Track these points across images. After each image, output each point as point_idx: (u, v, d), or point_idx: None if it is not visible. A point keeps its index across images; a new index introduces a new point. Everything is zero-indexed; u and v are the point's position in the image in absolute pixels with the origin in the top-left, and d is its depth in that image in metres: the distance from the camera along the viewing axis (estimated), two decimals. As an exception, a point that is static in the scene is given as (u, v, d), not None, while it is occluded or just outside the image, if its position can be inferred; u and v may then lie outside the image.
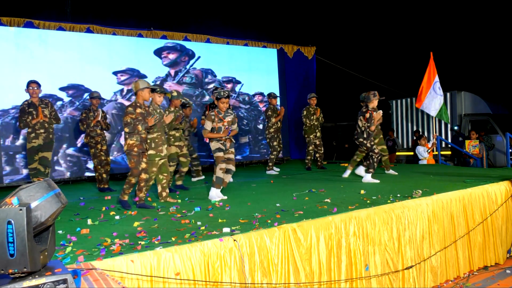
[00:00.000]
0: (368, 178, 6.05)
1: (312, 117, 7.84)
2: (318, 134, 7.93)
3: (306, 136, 7.92)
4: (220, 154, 5.01)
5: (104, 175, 6.33)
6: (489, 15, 12.17)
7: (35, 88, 5.46)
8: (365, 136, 6.16)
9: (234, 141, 5.20)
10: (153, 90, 4.77)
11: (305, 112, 7.89)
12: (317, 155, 8.07)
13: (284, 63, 11.28)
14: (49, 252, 1.80)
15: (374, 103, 6.13)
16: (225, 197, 4.97)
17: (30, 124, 5.43)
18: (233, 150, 5.18)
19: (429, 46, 9.93)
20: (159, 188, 4.91)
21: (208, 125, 5.00)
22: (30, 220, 1.60)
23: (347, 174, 6.54)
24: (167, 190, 4.94)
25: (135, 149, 4.54)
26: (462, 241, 4.40)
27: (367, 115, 6.09)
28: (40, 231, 1.77)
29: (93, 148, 6.25)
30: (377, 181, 5.96)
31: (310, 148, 7.93)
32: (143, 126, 4.53)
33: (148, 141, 4.69)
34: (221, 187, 5.00)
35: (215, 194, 4.92)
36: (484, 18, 12.21)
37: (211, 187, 4.96)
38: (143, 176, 4.60)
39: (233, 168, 5.15)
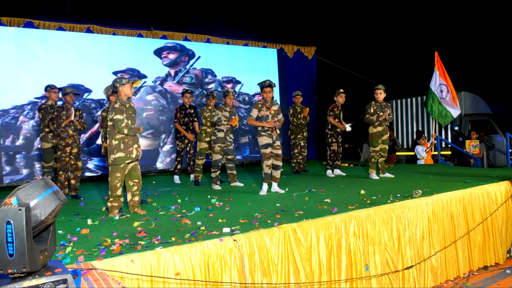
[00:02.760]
0: (328, 172, 6.94)
1: (299, 116, 7.58)
2: (305, 134, 7.67)
3: (292, 136, 7.65)
4: (267, 150, 5.21)
5: (73, 181, 5.68)
6: (489, 15, 12.16)
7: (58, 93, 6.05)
8: (329, 127, 6.85)
9: (279, 133, 5.32)
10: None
11: (291, 111, 7.66)
12: (300, 157, 7.73)
13: (284, 63, 11.28)
14: (49, 252, 1.80)
15: (338, 99, 6.88)
16: (283, 191, 5.23)
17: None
18: (279, 144, 5.31)
19: (429, 46, 9.93)
20: (128, 196, 4.32)
21: (254, 113, 5.21)
22: (30, 220, 1.60)
23: (374, 176, 6.23)
24: (136, 198, 4.32)
25: None
26: (462, 241, 4.40)
27: (330, 108, 6.88)
28: (40, 231, 1.77)
29: (60, 151, 5.55)
30: (333, 175, 6.87)
31: (296, 150, 7.65)
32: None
33: (115, 142, 4.15)
34: (270, 182, 5.28)
35: (264, 189, 5.23)
36: (484, 18, 12.21)
37: (263, 183, 5.29)
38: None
39: (280, 163, 5.30)
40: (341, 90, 6.92)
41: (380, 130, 6.22)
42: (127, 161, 4.18)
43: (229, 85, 10.21)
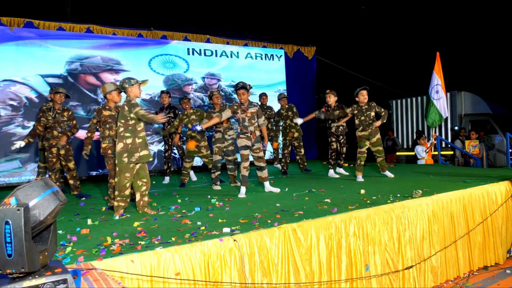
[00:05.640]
0: (330, 173, 6.85)
1: (286, 118, 7.47)
2: (296, 134, 7.46)
3: (282, 137, 7.61)
4: (246, 152, 5.15)
5: (71, 181, 5.74)
6: (489, 15, 12.16)
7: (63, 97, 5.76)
8: (330, 127, 6.83)
9: (258, 135, 5.22)
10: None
11: (276, 116, 7.66)
12: (298, 157, 7.68)
13: (284, 63, 11.28)
14: (49, 252, 1.80)
15: (328, 99, 6.77)
16: (278, 190, 5.25)
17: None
18: (259, 146, 5.21)
19: (429, 46, 9.93)
20: (137, 196, 4.28)
21: (226, 114, 5.14)
22: (28, 220, 1.59)
23: (359, 179, 6.11)
24: (145, 199, 4.30)
25: (109, 151, 4.66)
26: (462, 241, 4.40)
27: (323, 109, 6.82)
28: (40, 231, 1.76)
29: (47, 151, 5.62)
30: (337, 176, 6.72)
31: (286, 151, 7.58)
32: (110, 130, 4.60)
33: (139, 140, 4.22)
34: (247, 185, 5.18)
35: (242, 192, 5.10)
36: (484, 18, 12.21)
37: (241, 185, 5.18)
38: (112, 181, 4.51)
39: (262, 164, 5.23)
40: (328, 91, 6.86)
41: (365, 134, 6.10)
42: (136, 164, 4.21)
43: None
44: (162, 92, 7.12)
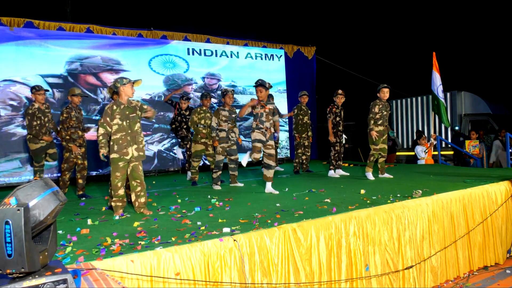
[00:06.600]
0: (330, 173, 6.87)
1: (304, 116, 7.62)
2: (310, 133, 7.69)
3: (297, 135, 7.66)
4: (258, 144, 5.24)
5: (80, 181, 5.77)
6: (489, 15, 12.16)
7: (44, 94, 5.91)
8: (332, 128, 6.91)
9: (273, 132, 5.34)
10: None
11: (296, 111, 7.68)
12: (304, 157, 7.72)
13: (284, 63, 11.28)
14: (49, 252, 1.80)
15: (336, 99, 6.87)
16: (277, 192, 5.21)
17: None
18: (272, 143, 5.31)
19: (430, 46, 9.92)
20: (133, 197, 4.27)
21: (245, 109, 5.29)
22: (28, 220, 1.59)
23: (370, 176, 6.19)
24: (142, 200, 4.27)
25: None
26: (462, 241, 4.40)
27: (328, 109, 6.88)
28: (40, 231, 1.76)
29: (69, 152, 5.69)
30: (337, 176, 6.71)
31: (300, 150, 7.62)
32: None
33: (111, 143, 4.17)
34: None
35: (244, 159, 5.38)
36: (484, 18, 12.21)
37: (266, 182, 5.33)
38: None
39: (271, 163, 5.28)
40: (340, 91, 6.91)
41: (381, 129, 6.22)
42: (119, 163, 4.16)
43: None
44: (182, 97, 7.35)
